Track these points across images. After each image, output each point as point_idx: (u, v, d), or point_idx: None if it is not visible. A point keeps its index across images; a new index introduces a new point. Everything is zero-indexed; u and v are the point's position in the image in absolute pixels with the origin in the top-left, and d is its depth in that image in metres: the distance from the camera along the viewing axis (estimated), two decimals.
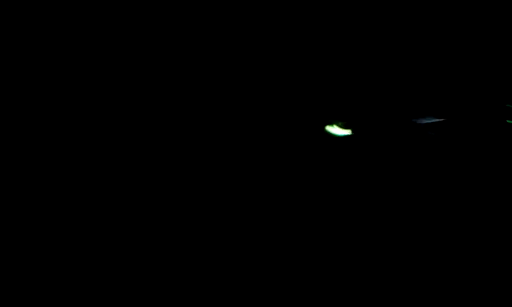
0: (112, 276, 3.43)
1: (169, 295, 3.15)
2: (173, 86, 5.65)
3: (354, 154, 6.41)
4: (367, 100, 6.18)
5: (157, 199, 4.88)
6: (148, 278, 3.30)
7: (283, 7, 4.99)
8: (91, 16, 5.83)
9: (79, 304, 3.31)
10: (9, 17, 5.51)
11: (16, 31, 5.57)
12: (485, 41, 5.05)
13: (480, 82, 5.24)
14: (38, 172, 5.20)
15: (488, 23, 4.98)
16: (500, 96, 5.49)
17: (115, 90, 6.07)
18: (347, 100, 6.39)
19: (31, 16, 5.64)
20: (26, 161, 5.45)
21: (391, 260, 4.01)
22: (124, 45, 5.50)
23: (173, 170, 5.25)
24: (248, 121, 5.36)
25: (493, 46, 5.03)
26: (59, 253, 3.91)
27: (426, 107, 6.46)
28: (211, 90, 5.22)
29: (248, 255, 3.94)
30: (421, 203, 4.90)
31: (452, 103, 5.71)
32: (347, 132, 6.95)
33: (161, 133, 5.68)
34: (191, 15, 5.36)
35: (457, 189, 4.90)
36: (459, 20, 4.94)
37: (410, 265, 3.88)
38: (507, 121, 6.10)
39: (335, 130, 6.95)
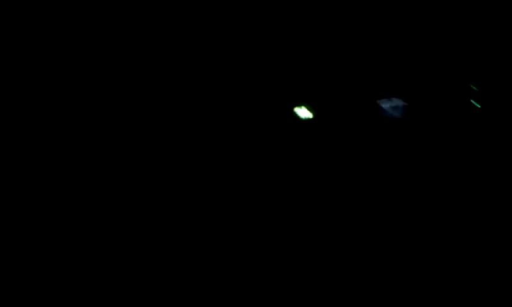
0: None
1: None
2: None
3: (319, 137, 6.54)
4: (333, 83, 6.37)
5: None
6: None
7: None
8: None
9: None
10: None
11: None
12: (447, 25, 5.33)
13: (442, 64, 5.49)
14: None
15: (450, 6, 5.27)
16: (463, 77, 5.70)
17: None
18: (314, 82, 6.59)
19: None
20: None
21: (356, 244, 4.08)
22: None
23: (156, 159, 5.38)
24: (219, 103, 5.57)
25: (455, 29, 5.29)
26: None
27: (391, 90, 6.66)
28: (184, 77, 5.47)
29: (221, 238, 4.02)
30: (385, 186, 4.97)
31: (417, 85, 5.93)
32: (312, 114, 7.15)
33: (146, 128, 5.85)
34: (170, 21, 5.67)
35: (423, 170, 5.02)
36: (423, 4, 5.21)
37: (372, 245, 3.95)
38: (472, 101, 6.32)
39: (302, 112, 7.14)
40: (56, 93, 6.33)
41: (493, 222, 3.91)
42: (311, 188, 5.42)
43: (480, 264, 3.84)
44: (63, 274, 3.62)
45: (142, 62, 6.17)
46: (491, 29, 5.36)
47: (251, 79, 5.97)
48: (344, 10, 5.49)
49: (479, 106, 7.09)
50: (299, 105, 7.42)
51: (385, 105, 6.83)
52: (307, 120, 7.95)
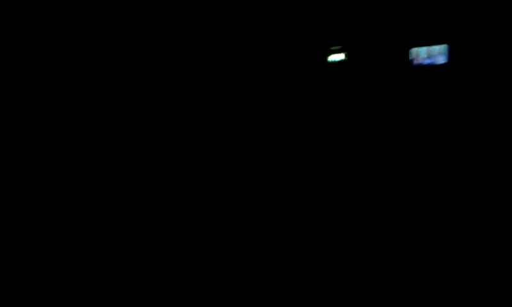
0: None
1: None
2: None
3: (349, 79, 6.30)
4: (363, 27, 6.03)
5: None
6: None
7: None
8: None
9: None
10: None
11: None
12: None
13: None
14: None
15: None
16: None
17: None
18: (345, 26, 6.26)
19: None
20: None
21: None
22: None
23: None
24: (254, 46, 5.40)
25: None
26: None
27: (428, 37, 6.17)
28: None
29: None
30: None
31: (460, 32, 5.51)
32: (343, 56, 6.84)
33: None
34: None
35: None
36: None
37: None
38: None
39: (333, 57, 6.87)
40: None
41: None
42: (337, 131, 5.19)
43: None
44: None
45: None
46: None
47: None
48: None
49: None
50: (330, 49, 7.13)
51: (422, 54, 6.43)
52: (337, 63, 7.65)
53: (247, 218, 4.02)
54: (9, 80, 6.00)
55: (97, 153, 6.12)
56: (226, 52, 7.38)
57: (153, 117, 6.85)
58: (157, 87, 6.98)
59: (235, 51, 7.25)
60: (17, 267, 3.68)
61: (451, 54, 7.30)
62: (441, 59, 7.28)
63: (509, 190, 4.11)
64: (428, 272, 2.87)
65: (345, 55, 7.53)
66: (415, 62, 7.39)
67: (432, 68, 7.48)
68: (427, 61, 7.39)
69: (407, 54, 7.44)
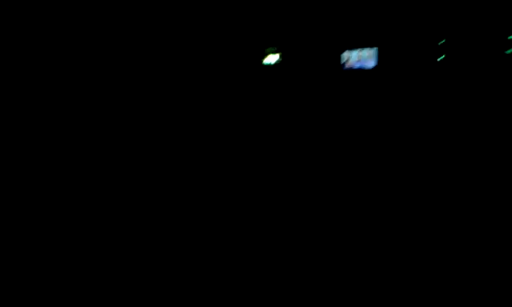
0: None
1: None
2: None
3: (283, 81, 6.46)
4: (299, 27, 6.19)
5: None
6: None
7: None
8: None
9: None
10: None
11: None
12: None
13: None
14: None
15: None
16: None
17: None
18: (280, 28, 6.40)
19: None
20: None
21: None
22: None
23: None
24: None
25: None
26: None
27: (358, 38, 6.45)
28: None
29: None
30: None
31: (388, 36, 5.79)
32: (278, 57, 6.99)
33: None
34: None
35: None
36: None
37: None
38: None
39: (268, 59, 7.02)
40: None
41: None
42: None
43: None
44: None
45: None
46: None
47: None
48: None
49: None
50: (266, 52, 7.27)
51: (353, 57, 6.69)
52: (273, 65, 7.79)
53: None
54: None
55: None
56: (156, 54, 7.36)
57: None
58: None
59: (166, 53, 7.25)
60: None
61: (380, 58, 7.66)
62: (370, 63, 7.64)
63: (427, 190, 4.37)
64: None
65: (280, 57, 7.74)
66: (347, 65, 7.71)
67: (362, 71, 7.81)
68: (357, 65, 7.73)
69: (339, 57, 7.74)
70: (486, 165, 5.47)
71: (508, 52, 7.51)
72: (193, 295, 2.89)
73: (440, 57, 7.92)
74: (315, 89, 7.61)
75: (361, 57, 7.69)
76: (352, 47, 7.66)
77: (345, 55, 7.63)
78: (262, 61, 7.93)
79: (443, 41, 7.64)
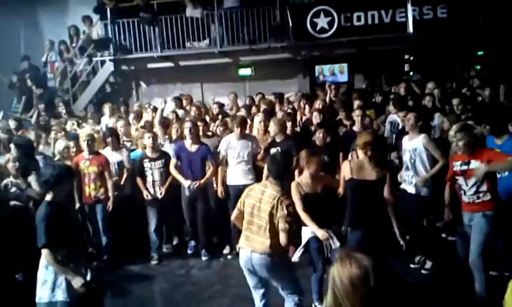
0: None
1: None
2: None
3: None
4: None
5: None
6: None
7: None
8: None
9: None
10: None
11: None
12: None
13: None
14: None
15: None
16: None
17: None
18: None
19: None
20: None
21: None
22: None
23: None
24: None
25: None
26: None
27: None
28: None
29: None
30: None
31: None
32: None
33: None
34: None
35: None
36: None
37: None
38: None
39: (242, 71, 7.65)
40: None
41: None
42: None
43: None
44: None
45: None
46: None
47: None
48: None
49: None
50: None
51: None
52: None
53: None
54: None
55: None
56: None
57: None
58: None
59: None
60: None
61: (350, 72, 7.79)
62: (342, 77, 7.65)
63: None
64: None
65: (252, 71, 7.77)
66: (320, 79, 7.67)
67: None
68: (330, 78, 7.71)
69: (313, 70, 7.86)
70: None
71: None
72: None
73: (410, 72, 8.01)
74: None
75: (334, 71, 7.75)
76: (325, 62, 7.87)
77: (318, 69, 7.72)
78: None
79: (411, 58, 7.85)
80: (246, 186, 4.32)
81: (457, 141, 4.30)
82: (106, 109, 8.02)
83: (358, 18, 8.64)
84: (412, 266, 5.41)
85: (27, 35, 11.58)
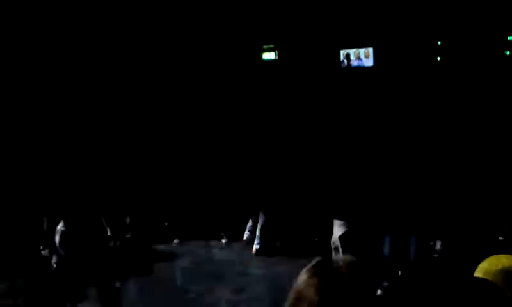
0: None
1: None
2: None
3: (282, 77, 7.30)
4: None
5: None
6: None
7: None
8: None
9: None
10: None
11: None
12: None
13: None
14: None
15: None
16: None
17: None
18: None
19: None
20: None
21: None
22: None
23: None
24: None
25: None
26: None
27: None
28: None
29: None
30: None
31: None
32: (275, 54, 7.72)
33: None
34: None
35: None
36: None
37: None
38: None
39: (266, 55, 7.80)
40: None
41: None
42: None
43: None
44: None
45: None
46: None
47: None
48: None
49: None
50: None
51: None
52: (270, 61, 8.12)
53: None
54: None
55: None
56: None
57: None
58: None
59: None
60: None
61: (377, 57, 7.68)
62: (368, 62, 7.59)
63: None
64: None
65: (276, 55, 7.76)
66: (345, 63, 7.63)
67: (360, 69, 7.76)
68: (355, 63, 7.67)
69: (338, 55, 7.81)
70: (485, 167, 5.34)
71: (508, 53, 7.66)
72: None
73: (438, 57, 7.87)
74: (313, 86, 7.43)
75: (359, 55, 7.69)
76: (350, 46, 7.79)
77: (344, 53, 7.67)
78: (261, 57, 8.01)
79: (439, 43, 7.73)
80: None
81: None
82: None
83: None
84: None
85: None
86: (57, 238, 3.75)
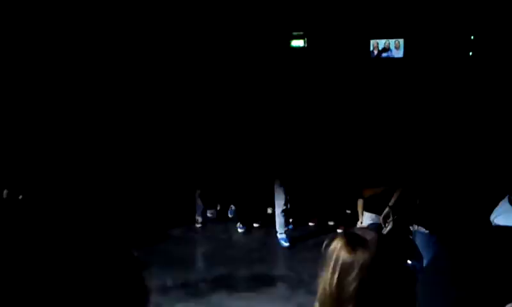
0: None
1: None
2: None
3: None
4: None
5: None
6: None
7: None
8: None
9: None
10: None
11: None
12: None
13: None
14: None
15: None
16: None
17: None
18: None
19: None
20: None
21: None
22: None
23: None
24: None
25: None
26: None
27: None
28: None
29: None
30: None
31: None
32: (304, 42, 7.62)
33: None
34: None
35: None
36: None
37: None
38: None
39: (295, 42, 7.70)
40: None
41: None
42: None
43: None
44: None
45: None
46: None
47: None
48: None
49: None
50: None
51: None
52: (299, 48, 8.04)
53: None
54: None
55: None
56: None
57: None
58: None
59: None
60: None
61: (406, 48, 7.59)
62: (398, 53, 7.52)
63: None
64: None
65: (305, 42, 7.72)
66: (375, 53, 7.57)
67: (389, 60, 7.67)
68: (385, 54, 7.59)
69: (367, 44, 7.73)
70: None
71: None
72: None
73: (470, 52, 7.72)
74: (342, 75, 7.37)
75: (389, 46, 7.61)
76: (380, 36, 7.70)
77: (373, 43, 7.60)
78: (289, 44, 7.97)
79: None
80: None
81: None
82: None
83: None
84: None
85: None
86: None
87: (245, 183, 6.23)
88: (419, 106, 6.69)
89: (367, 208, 4.30)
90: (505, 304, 1.44)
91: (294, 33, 8.01)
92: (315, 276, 1.34)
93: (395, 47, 7.82)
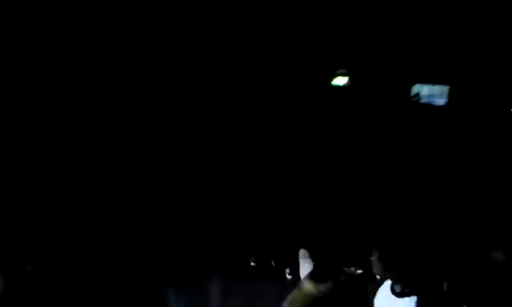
0: None
1: None
2: None
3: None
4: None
5: None
6: None
7: None
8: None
9: None
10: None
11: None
12: None
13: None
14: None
15: None
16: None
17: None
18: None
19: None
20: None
21: None
22: None
23: None
24: None
25: None
26: None
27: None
28: None
29: None
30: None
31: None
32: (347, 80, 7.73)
33: None
34: None
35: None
36: None
37: None
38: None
39: (337, 80, 7.82)
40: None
41: None
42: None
43: None
44: None
45: None
46: None
47: None
48: None
49: None
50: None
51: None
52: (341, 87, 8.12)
53: None
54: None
55: None
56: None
57: None
58: None
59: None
60: None
61: (451, 96, 7.48)
62: (440, 100, 7.40)
63: None
64: None
65: (349, 80, 7.72)
66: (416, 98, 7.48)
67: (431, 106, 7.60)
68: (427, 100, 7.50)
69: (409, 89, 7.67)
70: None
71: None
72: None
73: None
74: (382, 117, 7.34)
75: (432, 92, 7.52)
76: (424, 81, 7.63)
77: (416, 87, 7.53)
78: (330, 82, 8.00)
79: None
80: None
81: None
82: None
83: None
84: None
85: None
86: None
87: None
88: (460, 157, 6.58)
89: None
90: None
91: (338, 71, 8.04)
92: None
93: (438, 94, 7.72)
